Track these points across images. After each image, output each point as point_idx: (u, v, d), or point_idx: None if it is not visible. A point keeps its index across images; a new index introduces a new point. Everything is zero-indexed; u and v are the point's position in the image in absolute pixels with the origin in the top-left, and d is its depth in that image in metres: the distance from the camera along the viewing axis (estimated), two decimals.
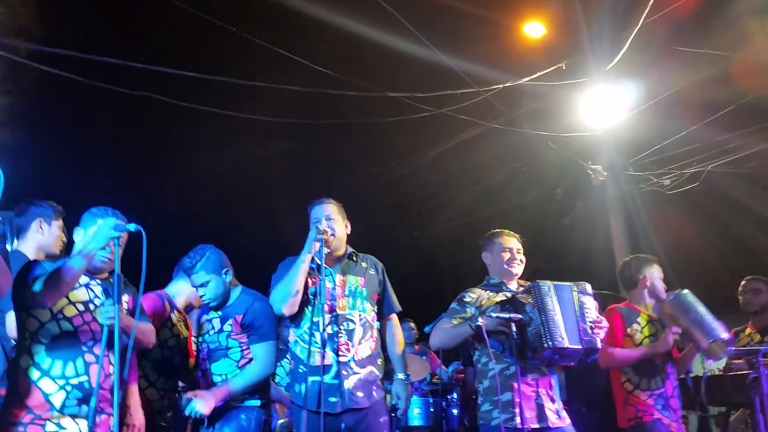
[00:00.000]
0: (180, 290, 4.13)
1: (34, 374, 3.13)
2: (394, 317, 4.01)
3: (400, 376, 3.93)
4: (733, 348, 4.20)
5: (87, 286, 3.34)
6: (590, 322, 3.70)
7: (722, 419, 5.10)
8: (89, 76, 6.32)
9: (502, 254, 4.03)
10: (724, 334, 3.96)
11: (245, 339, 3.81)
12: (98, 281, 3.38)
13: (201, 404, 3.66)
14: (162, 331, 3.89)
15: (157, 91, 6.67)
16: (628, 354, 4.18)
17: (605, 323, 3.80)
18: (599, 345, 3.73)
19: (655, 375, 4.20)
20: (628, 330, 4.26)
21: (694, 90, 8.41)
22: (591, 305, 3.78)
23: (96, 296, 3.33)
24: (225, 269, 3.92)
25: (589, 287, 3.86)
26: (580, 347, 3.64)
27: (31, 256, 3.65)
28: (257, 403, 3.80)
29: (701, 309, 4.10)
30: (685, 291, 4.23)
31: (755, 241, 9.36)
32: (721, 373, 4.62)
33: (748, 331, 5.18)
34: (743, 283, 5.25)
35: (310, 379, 3.60)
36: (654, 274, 4.42)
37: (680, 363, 4.33)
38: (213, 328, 3.90)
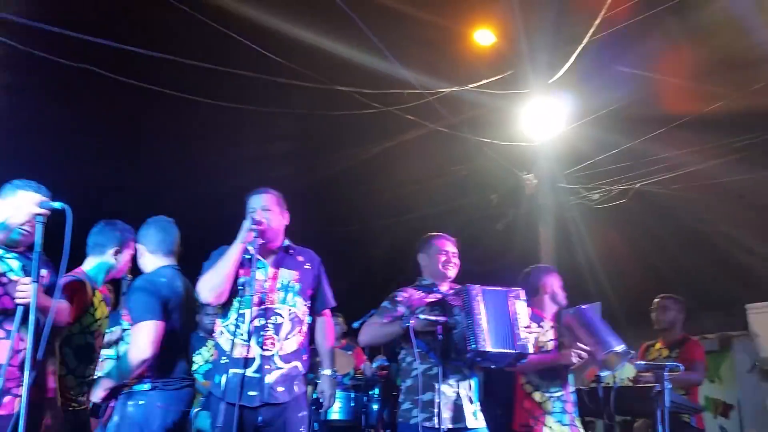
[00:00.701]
0: (100, 266, 3.99)
1: None
2: (327, 313, 3.94)
3: (327, 372, 3.88)
4: (633, 360, 4.40)
5: (1, 258, 3.24)
6: (523, 327, 3.83)
7: (626, 427, 5.36)
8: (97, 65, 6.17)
9: (437, 256, 4.12)
10: (619, 347, 4.12)
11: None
12: (14, 255, 3.28)
13: (93, 392, 3.61)
14: (84, 316, 3.77)
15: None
16: (540, 358, 4.29)
17: (534, 328, 3.94)
18: (530, 350, 3.87)
19: (555, 378, 4.34)
20: (538, 331, 4.39)
21: (631, 107, 8.71)
22: (523, 311, 3.91)
23: (10, 269, 3.23)
24: (115, 248, 3.89)
25: (522, 294, 3.98)
26: (513, 351, 3.76)
27: None
28: (146, 387, 3.63)
29: (598, 323, 4.28)
30: (585, 306, 4.42)
31: (680, 257, 9.79)
32: (631, 384, 4.85)
33: (657, 345, 5.45)
34: (655, 300, 5.52)
35: (232, 371, 3.54)
36: (554, 282, 4.56)
37: (577, 372, 4.49)
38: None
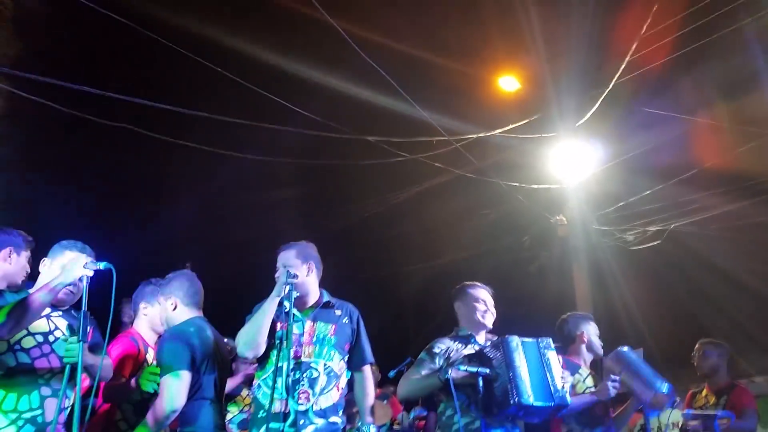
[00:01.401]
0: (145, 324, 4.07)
1: None
2: (367, 369, 3.89)
3: (366, 428, 3.81)
4: (680, 407, 4.27)
5: (48, 317, 3.29)
6: (559, 377, 3.76)
7: None
8: (77, 106, 6.33)
9: (474, 305, 4.08)
10: (665, 387, 4.03)
11: None
12: (60, 313, 3.33)
13: None
14: (139, 373, 3.84)
15: (135, 124, 6.68)
16: (578, 401, 4.21)
17: (568, 378, 3.87)
18: (569, 401, 3.78)
19: (596, 425, 4.24)
20: (572, 379, 4.31)
21: (661, 150, 8.69)
22: (555, 361, 3.85)
23: (57, 328, 3.28)
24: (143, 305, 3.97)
25: (551, 342, 3.92)
26: (551, 404, 3.68)
27: None
28: None
29: (641, 363, 4.19)
30: (625, 348, 4.31)
31: (717, 298, 9.60)
32: None
33: (704, 392, 5.29)
34: (696, 346, 5.40)
35: (270, 425, 3.51)
36: (591, 330, 4.49)
37: (620, 418, 4.37)
38: None
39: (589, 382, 4.36)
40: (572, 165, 8.96)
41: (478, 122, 9.07)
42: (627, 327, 9.55)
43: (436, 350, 3.96)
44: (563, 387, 3.75)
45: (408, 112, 8.10)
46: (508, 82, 9.21)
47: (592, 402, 4.19)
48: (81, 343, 3.00)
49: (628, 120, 8.73)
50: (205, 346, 3.75)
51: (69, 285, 3.19)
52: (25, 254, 3.64)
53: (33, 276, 3.54)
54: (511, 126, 8.92)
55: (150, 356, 3.99)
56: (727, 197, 8.59)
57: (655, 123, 8.49)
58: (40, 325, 3.24)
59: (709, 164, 8.17)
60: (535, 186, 9.40)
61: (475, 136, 8.93)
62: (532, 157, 9.42)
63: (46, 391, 3.16)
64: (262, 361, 3.71)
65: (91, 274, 3.12)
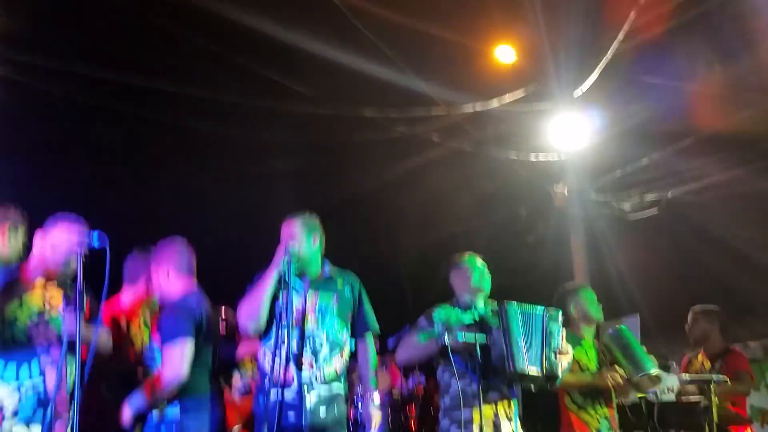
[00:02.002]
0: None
1: None
2: (368, 336, 3.93)
3: (372, 398, 3.87)
4: (676, 373, 4.32)
5: (45, 289, 3.34)
6: (555, 349, 3.79)
7: None
8: (84, 93, 6.29)
9: (469, 275, 4.11)
10: (653, 370, 4.10)
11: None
12: (56, 284, 3.37)
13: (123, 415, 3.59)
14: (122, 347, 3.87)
15: (133, 108, 6.64)
16: (579, 381, 4.26)
17: (569, 352, 3.88)
18: (560, 373, 3.81)
19: (598, 397, 4.30)
20: (573, 352, 4.34)
21: (657, 119, 8.65)
22: (557, 332, 3.86)
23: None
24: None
25: (560, 315, 3.94)
26: (539, 374, 3.73)
27: None
28: (176, 409, 3.59)
29: (635, 344, 4.24)
30: (623, 326, 4.37)
31: (714, 266, 9.63)
32: (674, 398, 4.76)
33: (700, 357, 5.34)
34: (688, 314, 5.44)
35: (272, 393, 3.56)
36: (583, 301, 4.52)
37: (617, 393, 4.43)
38: None
39: (593, 354, 4.40)
40: (570, 136, 8.93)
41: (475, 94, 9.02)
42: (623, 295, 9.59)
43: (436, 316, 4.00)
44: (557, 359, 3.77)
45: (404, 85, 8.06)
46: (504, 53, 9.13)
47: (590, 384, 4.27)
48: (77, 312, 3.01)
49: (627, 89, 8.68)
50: (204, 317, 3.76)
51: (61, 264, 3.19)
52: (21, 230, 3.63)
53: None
54: (508, 97, 8.87)
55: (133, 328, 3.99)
56: (725, 164, 8.57)
57: (654, 91, 8.44)
58: (35, 297, 3.27)
59: (707, 131, 8.14)
60: (533, 157, 9.38)
61: (473, 108, 8.88)
62: (529, 128, 9.38)
63: (45, 360, 3.21)
64: (265, 331, 3.74)
65: (84, 244, 3.11)
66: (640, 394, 4.59)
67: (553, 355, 3.77)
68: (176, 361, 3.53)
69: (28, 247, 3.55)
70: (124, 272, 4.05)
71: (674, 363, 5.07)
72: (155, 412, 3.64)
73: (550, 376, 3.78)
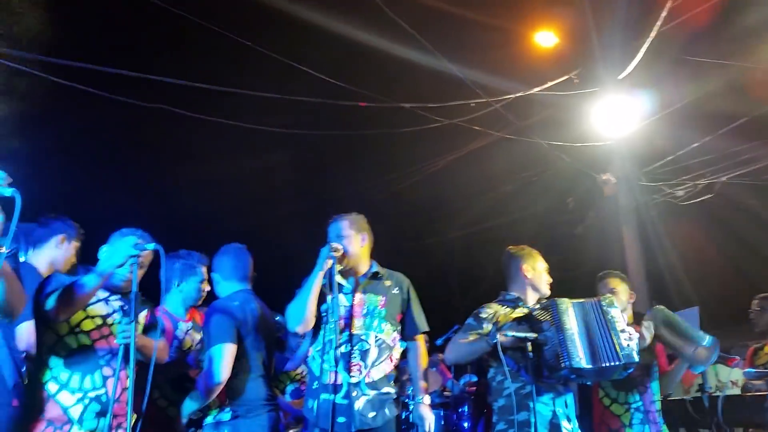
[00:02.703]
0: (174, 301, 4.10)
1: (52, 387, 3.16)
2: (420, 338, 3.89)
3: (423, 399, 3.82)
4: (740, 366, 4.15)
5: (106, 300, 3.37)
6: (621, 333, 3.62)
7: None
8: (101, 88, 6.33)
9: (542, 271, 4.00)
10: (706, 340, 3.94)
11: None
12: (118, 297, 3.40)
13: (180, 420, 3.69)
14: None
15: (169, 103, 6.67)
16: None
17: (635, 334, 3.73)
18: (636, 358, 3.62)
19: (632, 388, 4.18)
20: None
21: (708, 100, 8.35)
22: (619, 317, 3.70)
23: (115, 311, 3.36)
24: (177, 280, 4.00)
25: (614, 299, 3.79)
26: (618, 363, 3.54)
27: (42, 270, 3.64)
28: (228, 416, 3.65)
29: (679, 319, 4.10)
30: (660, 306, 4.21)
31: None
32: (739, 392, 4.57)
33: (766, 348, 5.11)
34: (753, 302, 5.20)
35: (322, 396, 3.57)
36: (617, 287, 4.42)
37: (669, 377, 4.30)
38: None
39: None
40: (616, 120, 8.67)
41: (516, 81, 8.84)
42: (678, 288, 9.31)
43: (484, 315, 3.89)
44: (628, 345, 3.60)
45: (442, 74, 7.93)
46: (545, 38, 8.92)
47: None
48: (132, 323, 3.03)
49: (673, 70, 8.40)
50: (250, 319, 3.79)
51: (121, 268, 3.19)
52: (75, 244, 3.68)
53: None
54: (550, 83, 8.66)
55: (181, 331, 4.02)
56: None
57: (701, 71, 8.13)
58: (98, 309, 3.32)
59: (761, 111, 7.79)
60: (579, 144, 9.14)
61: (513, 96, 8.70)
62: (574, 114, 9.14)
63: (107, 371, 3.25)
64: (314, 334, 3.73)
65: (137, 254, 3.12)
66: (695, 392, 4.43)
67: (623, 341, 3.61)
68: (216, 365, 3.56)
69: (85, 259, 3.59)
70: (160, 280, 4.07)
71: (738, 357, 4.85)
72: (209, 418, 3.69)
73: (629, 362, 3.58)
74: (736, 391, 4.56)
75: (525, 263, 4.01)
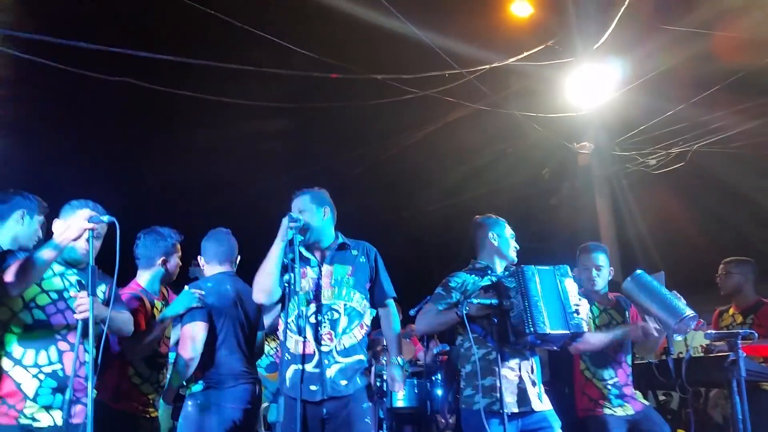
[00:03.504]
0: (153, 278, 4.10)
1: (6, 364, 3.13)
2: (390, 303, 3.94)
3: (395, 359, 3.90)
4: (704, 328, 4.21)
5: (62, 275, 3.33)
6: (574, 305, 3.71)
7: (702, 395, 5.17)
8: (71, 63, 6.23)
9: (508, 238, 4.04)
10: (689, 311, 3.96)
11: None
12: (75, 271, 3.37)
13: (165, 396, 3.93)
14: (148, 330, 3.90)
15: (143, 77, 6.58)
16: (601, 338, 4.20)
17: (586, 305, 3.81)
18: (585, 328, 3.74)
19: (607, 365, 4.26)
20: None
21: (681, 69, 8.38)
22: (573, 288, 3.78)
23: (71, 285, 3.32)
24: (161, 257, 4.05)
25: (569, 270, 3.86)
26: (567, 332, 3.64)
27: (5, 246, 3.60)
28: (200, 387, 3.88)
29: (660, 287, 4.11)
30: (639, 271, 4.23)
31: (741, 221, 9.40)
32: (702, 354, 4.66)
33: (731, 311, 5.21)
34: (720, 266, 5.29)
35: (293, 367, 3.61)
36: (582, 262, 4.46)
37: (648, 345, 4.35)
38: None
39: (600, 321, 4.33)
40: (590, 91, 8.69)
41: (491, 51, 8.79)
42: (649, 254, 9.42)
43: (452, 284, 3.94)
44: (578, 314, 3.69)
45: (415, 45, 7.85)
46: (520, 7, 8.87)
47: (619, 339, 4.20)
48: (90, 296, 3.01)
49: (647, 39, 8.39)
50: (222, 299, 3.96)
51: (76, 240, 3.16)
52: (38, 218, 3.64)
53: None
54: (525, 53, 8.64)
55: (156, 309, 4.03)
56: (752, 113, 8.27)
57: (675, 40, 8.14)
58: (54, 283, 3.28)
59: (730, 80, 7.83)
60: (553, 115, 9.16)
61: (488, 66, 8.66)
62: (548, 84, 9.14)
63: (63, 345, 3.22)
64: (286, 306, 3.72)
65: (92, 227, 3.10)
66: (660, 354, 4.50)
67: (575, 311, 3.68)
68: (184, 343, 3.81)
69: (47, 234, 3.56)
70: (137, 255, 4.06)
71: (703, 321, 4.94)
72: (187, 391, 3.93)
73: (577, 333, 3.70)
74: (700, 353, 4.65)
75: (491, 231, 4.05)
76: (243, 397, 3.90)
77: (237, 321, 4.00)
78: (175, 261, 4.13)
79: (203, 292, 3.90)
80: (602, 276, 4.43)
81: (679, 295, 4.06)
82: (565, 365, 4.47)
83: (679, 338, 4.38)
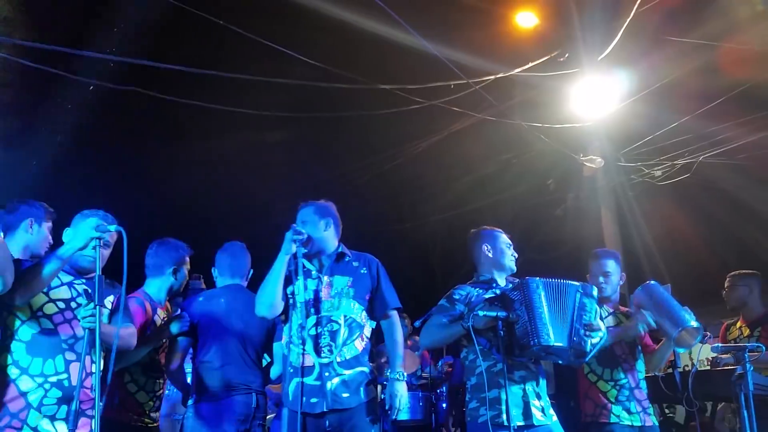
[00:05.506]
0: (161, 286, 4.12)
1: (13, 372, 3.13)
2: (393, 314, 3.89)
3: (395, 375, 3.82)
4: (711, 341, 4.18)
5: (70, 284, 3.33)
6: (584, 324, 3.67)
7: (708, 409, 5.14)
8: (80, 72, 6.27)
9: (503, 248, 4.02)
10: (693, 322, 3.94)
11: None
12: (83, 281, 3.37)
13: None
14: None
15: (147, 86, 6.61)
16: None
17: (602, 329, 3.76)
18: (588, 348, 3.67)
19: (617, 366, 4.21)
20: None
21: (686, 80, 8.38)
22: (592, 308, 3.72)
23: (79, 295, 3.32)
24: (172, 267, 4.09)
25: (594, 291, 3.80)
26: (567, 347, 3.62)
27: (17, 256, 3.62)
28: (190, 402, 3.95)
29: (669, 298, 4.09)
30: (653, 282, 4.21)
31: (746, 233, 9.36)
32: (709, 367, 4.63)
33: (739, 324, 5.18)
34: (726, 280, 5.26)
35: (294, 380, 3.60)
36: (593, 269, 4.43)
37: (655, 356, 4.30)
38: None
39: (611, 321, 4.29)
40: (596, 102, 8.70)
41: (497, 62, 8.81)
42: (654, 265, 9.38)
43: (456, 296, 3.92)
44: (587, 335, 3.65)
45: (421, 55, 7.87)
46: (525, 18, 8.89)
47: (618, 337, 4.15)
48: (96, 307, 3.01)
49: (652, 51, 8.40)
50: (213, 313, 4.00)
51: (83, 249, 3.17)
52: (46, 225, 3.66)
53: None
54: (531, 64, 8.65)
55: (158, 317, 4.04)
56: (758, 125, 8.25)
57: (680, 52, 8.15)
58: (61, 292, 3.29)
59: (735, 91, 7.83)
60: (558, 126, 9.16)
61: (494, 77, 8.67)
62: (554, 95, 9.15)
63: (70, 356, 3.22)
64: (287, 318, 3.75)
65: (99, 236, 3.10)
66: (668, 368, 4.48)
67: (582, 330, 3.65)
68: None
69: (54, 246, 3.57)
70: (147, 263, 4.08)
71: (708, 333, 4.92)
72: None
73: (578, 350, 3.65)
74: (707, 367, 4.62)
75: (484, 243, 4.04)
76: (236, 409, 3.88)
77: (232, 333, 4.00)
78: (183, 273, 4.15)
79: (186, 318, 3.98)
80: (610, 283, 4.40)
81: (689, 309, 4.04)
82: (571, 379, 4.43)
83: (683, 351, 4.34)
